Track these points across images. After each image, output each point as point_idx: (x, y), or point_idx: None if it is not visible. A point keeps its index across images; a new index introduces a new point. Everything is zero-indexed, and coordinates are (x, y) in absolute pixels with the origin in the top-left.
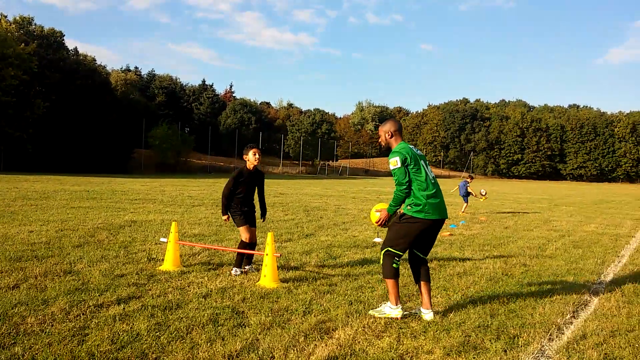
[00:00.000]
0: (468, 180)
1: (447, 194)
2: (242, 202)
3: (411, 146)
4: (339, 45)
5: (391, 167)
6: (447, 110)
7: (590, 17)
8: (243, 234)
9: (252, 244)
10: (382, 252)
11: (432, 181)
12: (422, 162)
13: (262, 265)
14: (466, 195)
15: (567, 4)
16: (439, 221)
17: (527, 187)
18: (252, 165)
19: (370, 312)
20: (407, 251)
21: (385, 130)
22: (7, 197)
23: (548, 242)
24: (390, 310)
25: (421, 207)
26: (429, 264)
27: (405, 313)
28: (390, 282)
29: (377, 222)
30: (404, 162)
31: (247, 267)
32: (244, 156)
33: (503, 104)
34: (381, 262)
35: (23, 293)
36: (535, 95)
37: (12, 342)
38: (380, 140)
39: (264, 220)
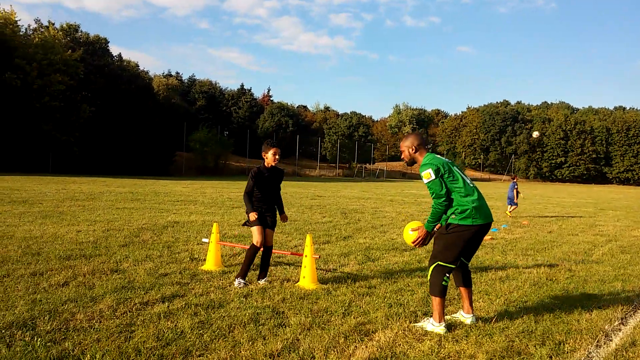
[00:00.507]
0: (515, 180)
1: (496, 197)
2: (260, 202)
3: (438, 155)
4: (375, 48)
5: (425, 181)
6: (487, 112)
7: (635, 16)
8: (255, 235)
9: (267, 247)
10: (432, 266)
11: (471, 185)
12: (455, 168)
13: (300, 267)
14: (516, 196)
15: (610, 4)
16: (486, 225)
17: (571, 191)
18: (270, 165)
19: (412, 324)
20: None
21: (408, 145)
22: (56, 198)
23: (594, 247)
24: (433, 327)
25: (468, 212)
26: (469, 268)
27: (446, 317)
28: (436, 300)
29: (413, 243)
30: (437, 172)
31: (261, 281)
32: (263, 154)
33: (545, 106)
34: (429, 277)
35: (72, 290)
36: (579, 97)
37: (63, 337)
38: (403, 157)
39: (283, 217)
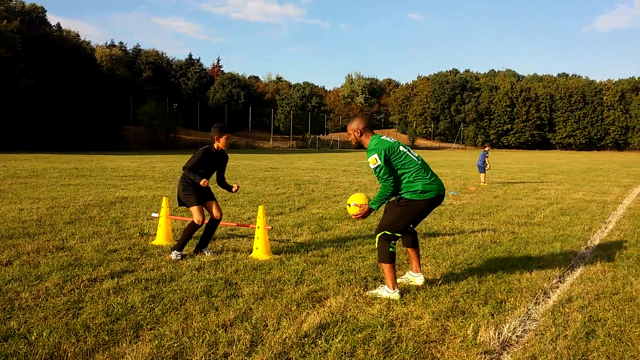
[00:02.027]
0: (487, 150)
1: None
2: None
3: (385, 137)
4: (327, 16)
5: (372, 166)
6: (436, 81)
7: None
8: (195, 215)
9: (215, 220)
10: (378, 235)
11: (420, 162)
12: (401, 147)
13: (253, 238)
14: (484, 165)
15: None
16: (438, 197)
17: (516, 157)
18: (219, 148)
19: (367, 292)
20: None
21: (354, 128)
22: None
23: (536, 210)
24: (388, 293)
25: (417, 190)
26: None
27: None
28: (386, 267)
29: (355, 216)
30: (383, 157)
31: (204, 251)
32: (215, 137)
33: (492, 74)
34: (376, 245)
35: (16, 269)
36: (524, 64)
37: (8, 316)
38: (350, 140)
39: (236, 190)
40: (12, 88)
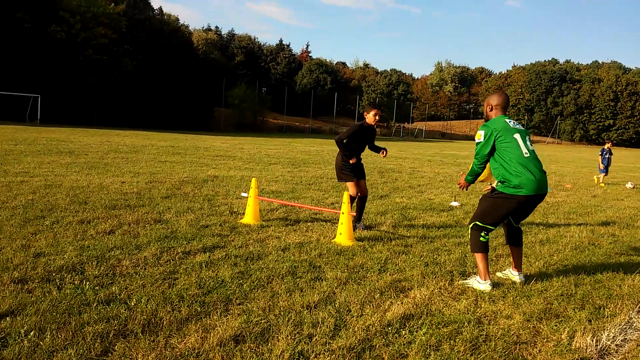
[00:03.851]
0: (608, 147)
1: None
2: (355, 153)
3: (509, 120)
4: (418, 2)
5: (475, 140)
6: (533, 71)
7: None
8: (351, 188)
9: (362, 197)
10: (470, 225)
11: (527, 155)
12: (517, 135)
13: (337, 223)
14: (608, 162)
15: None
16: (535, 197)
17: (618, 155)
18: (370, 123)
19: (457, 282)
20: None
21: (488, 102)
22: (100, 150)
23: None
24: (479, 284)
25: (512, 183)
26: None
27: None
28: (478, 256)
29: (458, 185)
30: (487, 136)
31: (358, 225)
32: (365, 113)
33: (596, 66)
34: (468, 236)
35: (118, 238)
36: (631, 56)
37: (110, 282)
38: (483, 111)
39: (384, 154)
40: (116, 68)
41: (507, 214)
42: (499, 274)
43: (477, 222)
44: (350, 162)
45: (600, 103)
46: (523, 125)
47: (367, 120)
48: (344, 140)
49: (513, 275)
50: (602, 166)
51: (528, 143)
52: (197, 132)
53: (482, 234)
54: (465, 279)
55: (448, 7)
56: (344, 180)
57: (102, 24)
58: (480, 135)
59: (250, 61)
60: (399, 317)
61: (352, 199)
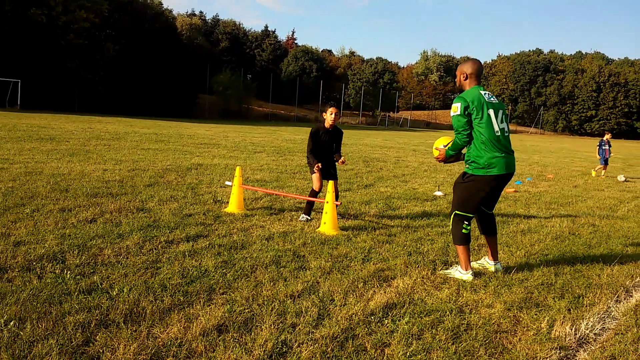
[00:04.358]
0: (606, 139)
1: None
2: (319, 159)
3: (484, 92)
4: None
5: (451, 113)
6: (517, 61)
7: None
8: (315, 182)
9: (315, 192)
10: (451, 216)
11: (498, 134)
12: (490, 111)
13: (321, 212)
14: (606, 153)
15: None
16: (504, 176)
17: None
18: (329, 124)
19: (439, 271)
20: None
21: (462, 70)
22: (82, 137)
23: (620, 203)
24: (460, 274)
25: (480, 164)
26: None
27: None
28: (460, 248)
29: (435, 158)
30: (464, 109)
31: (303, 217)
32: (322, 114)
33: (579, 56)
34: (450, 226)
35: (100, 227)
36: (614, 47)
37: (92, 271)
38: (456, 80)
39: (339, 159)
40: (98, 52)
41: (483, 196)
42: (474, 264)
43: (457, 212)
44: (314, 168)
45: (583, 94)
46: (506, 116)
47: (325, 122)
48: (310, 150)
49: (489, 264)
50: (598, 157)
51: (500, 120)
52: (181, 119)
53: (464, 224)
54: (447, 269)
55: None
56: (310, 171)
57: (83, 7)
58: (456, 108)
59: (235, 47)
60: (381, 306)
61: (314, 193)
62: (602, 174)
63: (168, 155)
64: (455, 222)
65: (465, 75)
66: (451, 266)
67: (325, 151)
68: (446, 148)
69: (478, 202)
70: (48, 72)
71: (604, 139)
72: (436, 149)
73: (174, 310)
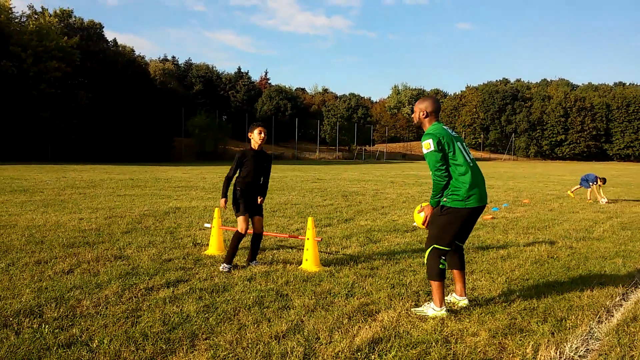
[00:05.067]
0: (599, 183)
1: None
2: (247, 187)
3: (446, 127)
4: (374, 27)
5: (424, 151)
6: (486, 91)
7: None
8: (240, 223)
9: (257, 235)
10: (428, 250)
11: (471, 164)
12: (458, 144)
13: (303, 250)
14: (587, 185)
15: None
16: (479, 208)
17: (572, 169)
18: (257, 145)
19: (413, 310)
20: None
21: (422, 108)
22: (56, 186)
23: (595, 224)
24: (434, 311)
25: (460, 194)
26: (468, 248)
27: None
28: (435, 284)
29: (423, 224)
30: (438, 144)
31: (252, 263)
32: (249, 134)
33: (545, 84)
34: (425, 260)
35: (77, 277)
36: (578, 73)
37: (70, 324)
38: (413, 117)
39: (261, 201)
40: (71, 101)
41: (460, 228)
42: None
43: (436, 246)
44: (221, 203)
45: (551, 119)
46: (479, 144)
47: (252, 143)
48: (229, 174)
49: (457, 299)
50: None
51: (467, 151)
52: (157, 163)
53: (442, 259)
54: (420, 307)
55: (403, 30)
56: (235, 212)
57: (55, 58)
58: (428, 145)
59: (209, 90)
60: (367, 342)
61: (240, 236)
62: (589, 197)
63: (145, 200)
64: (432, 257)
65: (425, 113)
66: (423, 304)
67: (253, 178)
68: (429, 202)
69: (454, 235)
70: (20, 122)
71: (598, 181)
72: (418, 212)
73: (157, 359)
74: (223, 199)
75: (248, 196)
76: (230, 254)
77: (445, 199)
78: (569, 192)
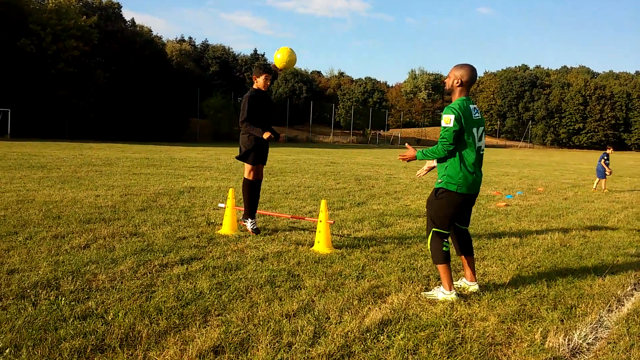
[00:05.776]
0: (608, 152)
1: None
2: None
3: (473, 106)
4: (392, 10)
5: (443, 124)
6: (504, 77)
7: None
8: (251, 172)
9: (258, 181)
10: (430, 235)
11: (479, 153)
12: (474, 129)
13: (315, 232)
14: (603, 169)
15: None
16: (470, 196)
17: (588, 158)
18: (264, 87)
19: (423, 293)
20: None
21: (457, 76)
22: (73, 164)
23: (610, 214)
24: (444, 295)
25: (455, 179)
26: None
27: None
28: (442, 267)
29: (399, 156)
30: (457, 122)
31: (246, 222)
32: (254, 77)
33: (565, 71)
34: (428, 246)
35: (93, 252)
36: (599, 61)
37: (86, 297)
38: (446, 82)
39: (279, 139)
40: (89, 80)
41: (457, 211)
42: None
43: (435, 229)
44: (264, 137)
45: (570, 107)
46: (495, 131)
47: (256, 85)
48: (247, 118)
49: (468, 284)
50: (608, 172)
51: (479, 138)
52: (173, 143)
53: (444, 242)
54: (430, 291)
55: (421, 14)
56: (245, 160)
57: (73, 37)
58: (449, 120)
59: (225, 71)
60: (377, 323)
61: (250, 184)
62: (603, 187)
63: (160, 179)
64: (434, 241)
65: (460, 81)
66: (433, 288)
67: (265, 122)
68: (417, 151)
69: (453, 216)
70: (38, 100)
71: (607, 152)
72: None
73: (170, 333)
74: (265, 132)
75: (260, 146)
76: (248, 205)
77: (439, 180)
78: (592, 189)
